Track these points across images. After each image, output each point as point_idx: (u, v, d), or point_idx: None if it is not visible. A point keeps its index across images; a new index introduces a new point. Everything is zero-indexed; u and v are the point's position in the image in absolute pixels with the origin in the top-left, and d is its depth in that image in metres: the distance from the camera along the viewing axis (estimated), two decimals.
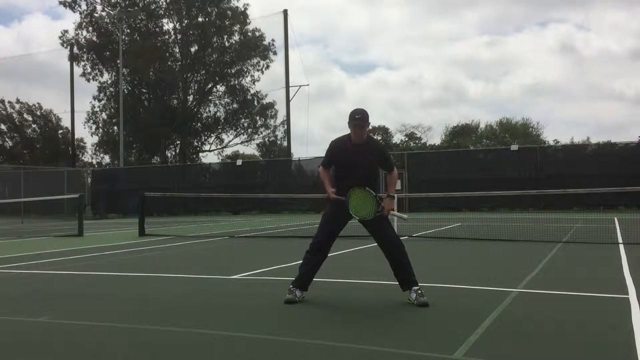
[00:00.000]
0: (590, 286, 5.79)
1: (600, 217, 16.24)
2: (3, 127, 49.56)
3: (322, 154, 5.51)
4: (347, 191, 5.03)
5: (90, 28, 43.45)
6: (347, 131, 5.16)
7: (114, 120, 42.92)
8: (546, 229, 13.06)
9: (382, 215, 5.07)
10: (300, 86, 36.62)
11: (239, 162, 31.73)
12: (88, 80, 43.65)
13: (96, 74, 43.86)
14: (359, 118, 5.01)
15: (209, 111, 46.21)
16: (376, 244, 5.26)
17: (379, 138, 50.84)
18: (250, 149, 50.10)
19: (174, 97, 44.97)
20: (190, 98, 45.47)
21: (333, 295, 5.61)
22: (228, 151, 49.94)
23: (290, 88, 34.97)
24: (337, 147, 5.19)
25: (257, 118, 45.95)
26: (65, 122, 48.23)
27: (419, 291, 4.95)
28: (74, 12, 43.57)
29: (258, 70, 44.79)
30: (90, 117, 44.91)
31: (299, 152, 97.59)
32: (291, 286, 5.19)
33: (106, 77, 44.17)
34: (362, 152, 5.08)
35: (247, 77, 45.04)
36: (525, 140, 43.44)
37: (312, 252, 5.22)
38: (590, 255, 8.69)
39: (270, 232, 14.79)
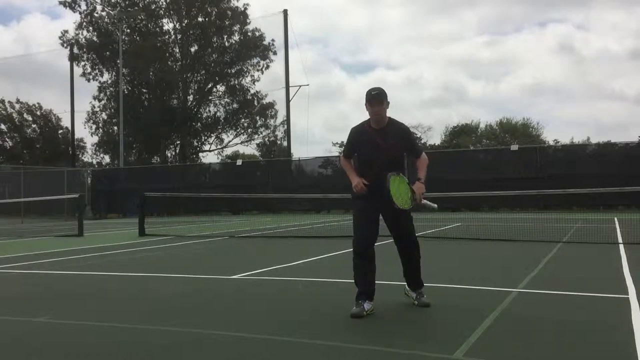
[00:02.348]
0: (590, 286, 5.78)
1: (600, 217, 16.24)
2: (3, 127, 49.53)
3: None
4: (375, 182, 4.57)
5: (90, 28, 43.47)
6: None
7: (114, 120, 42.92)
8: (546, 229, 13.06)
9: (407, 212, 4.71)
10: (300, 86, 36.63)
11: (239, 162, 31.72)
12: (88, 80, 43.71)
13: (96, 74, 43.90)
14: (375, 94, 4.58)
15: (209, 111, 46.27)
16: (392, 240, 4.96)
17: None
18: (250, 149, 50.15)
19: (174, 97, 44.98)
20: (190, 98, 45.47)
21: (333, 296, 5.60)
22: (228, 151, 49.99)
23: (290, 88, 34.99)
24: (357, 134, 4.76)
25: (257, 118, 45.96)
26: (65, 122, 48.25)
27: (421, 291, 4.96)
28: (74, 12, 43.58)
29: (258, 70, 44.84)
30: (90, 117, 44.96)
31: (299, 152, 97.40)
32: (359, 300, 4.60)
33: (106, 77, 44.24)
34: (384, 136, 4.64)
35: (247, 77, 45.09)
36: (525, 140, 43.40)
37: (359, 257, 4.67)
38: (590, 255, 8.69)
39: (270, 232, 14.78)
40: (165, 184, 28.40)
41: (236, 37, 44.06)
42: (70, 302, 5.62)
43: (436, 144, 49.68)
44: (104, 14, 43.33)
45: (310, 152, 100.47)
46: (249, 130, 46.39)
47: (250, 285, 6.42)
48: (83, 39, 43.56)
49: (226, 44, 44.03)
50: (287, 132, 37.00)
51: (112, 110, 43.66)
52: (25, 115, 50.13)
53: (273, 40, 43.89)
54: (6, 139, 49.92)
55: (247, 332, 4.10)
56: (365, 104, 4.66)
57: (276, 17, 48.34)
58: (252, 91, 45.26)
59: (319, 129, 78.78)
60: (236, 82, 44.94)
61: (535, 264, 7.38)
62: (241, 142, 47.64)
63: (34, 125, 50.68)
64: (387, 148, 4.63)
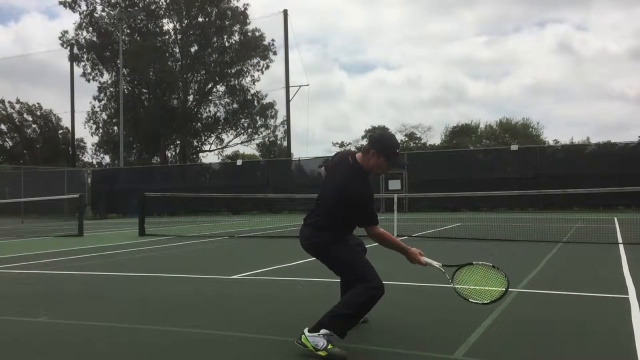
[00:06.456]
0: (590, 286, 5.78)
1: (600, 217, 16.23)
2: (3, 127, 49.59)
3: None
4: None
5: (90, 28, 43.48)
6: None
7: (114, 120, 42.95)
8: (546, 229, 13.06)
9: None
10: (300, 86, 36.70)
11: (239, 162, 31.75)
12: (88, 80, 43.76)
13: (96, 74, 43.95)
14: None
15: (209, 111, 46.33)
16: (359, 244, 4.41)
17: None
18: (250, 149, 50.21)
19: (174, 97, 44.99)
20: (190, 98, 45.49)
21: (333, 296, 5.59)
22: (228, 151, 50.08)
23: (290, 88, 35.01)
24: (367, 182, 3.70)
25: (257, 118, 46.00)
26: (65, 122, 48.36)
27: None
28: (74, 12, 43.62)
29: (258, 70, 44.88)
30: (90, 117, 45.03)
31: (299, 152, 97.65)
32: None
33: (106, 77, 44.30)
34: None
35: (247, 77, 45.14)
36: (525, 140, 43.42)
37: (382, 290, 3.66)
38: (590, 255, 8.69)
39: (270, 232, 14.78)
40: (165, 184, 28.43)
41: (236, 37, 44.11)
42: (70, 302, 5.62)
43: (436, 144, 49.72)
44: (104, 14, 43.38)
45: (311, 152, 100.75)
46: (249, 130, 46.46)
47: (250, 285, 6.42)
48: (83, 39, 43.62)
49: (226, 44, 44.04)
50: (287, 132, 37.05)
51: (112, 110, 43.69)
52: (25, 116, 50.20)
53: (273, 40, 43.99)
54: (6, 139, 49.98)
55: (247, 332, 4.11)
56: (379, 156, 3.61)
57: (276, 17, 48.56)
58: (252, 91, 45.37)
59: (319, 128, 78.97)
60: (236, 82, 44.97)
61: (535, 264, 7.38)
62: (241, 142, 47.76)
63: (34, 126, 50.74)
64: None
